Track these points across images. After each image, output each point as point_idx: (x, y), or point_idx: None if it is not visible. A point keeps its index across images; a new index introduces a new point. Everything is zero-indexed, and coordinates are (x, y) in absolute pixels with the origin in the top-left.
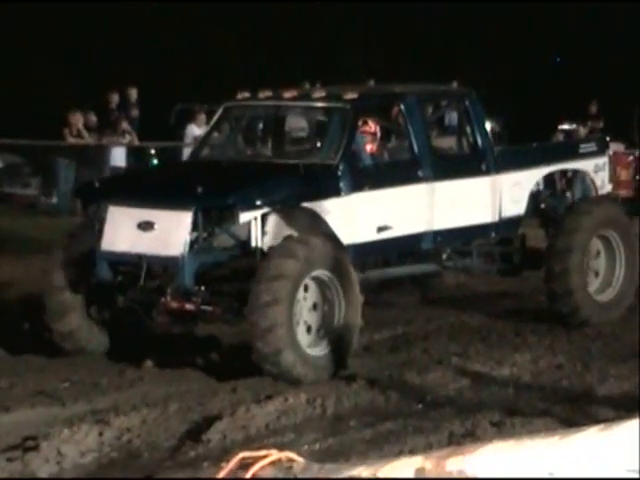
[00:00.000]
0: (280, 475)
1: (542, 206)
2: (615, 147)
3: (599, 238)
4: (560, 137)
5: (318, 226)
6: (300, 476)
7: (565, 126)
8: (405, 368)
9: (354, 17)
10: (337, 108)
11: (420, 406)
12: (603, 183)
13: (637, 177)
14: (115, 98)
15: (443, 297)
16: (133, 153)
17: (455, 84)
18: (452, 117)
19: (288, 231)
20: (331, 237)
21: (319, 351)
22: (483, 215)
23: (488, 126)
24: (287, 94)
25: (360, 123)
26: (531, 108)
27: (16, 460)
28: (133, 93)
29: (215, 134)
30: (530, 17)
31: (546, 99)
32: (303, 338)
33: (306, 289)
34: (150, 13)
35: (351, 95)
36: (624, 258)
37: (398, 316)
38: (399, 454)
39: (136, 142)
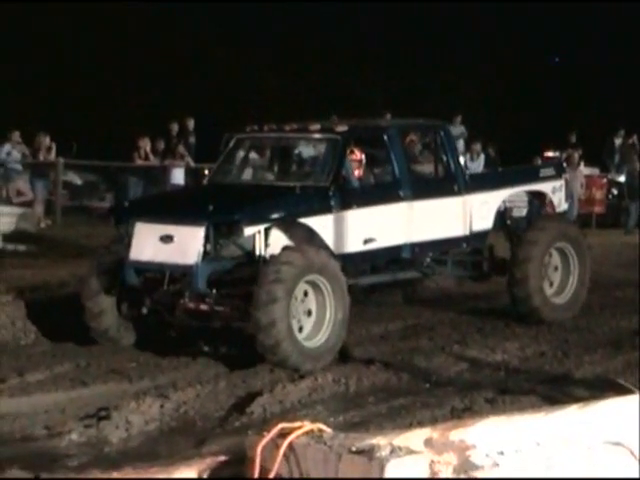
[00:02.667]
0: (312, 442)
1: (507, 222)
2: (590, 171)
3: (555, 250)
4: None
5: (312, 238)
6: (329, 443)
7: (550, 153)
8: (414, 353)
9: (374, 52)
10: (329, 139)
11: (427, 385)
12: (560, 202)
13: (609, 196)
14: (175, 127)
15: (436, 298)
16: (190, 173)
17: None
18: (457, 145)
19: (286, 242)
20: (323, 247)
21: (314, 343)
22: (455, 229)
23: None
24: (288, 127)
25: (348, 152)
26: (519, 137)
27: (91, 427)
28: (190, 123)
29: (228, 161)
30: (521, 54)
31: (531, 130)
32: (299, 333)
33: (305, 294)
34: (207, 57)
35: (341, 128)
36: (577, 266)
37: (407, 311)
38: (409, 426)
39: (192, 164)
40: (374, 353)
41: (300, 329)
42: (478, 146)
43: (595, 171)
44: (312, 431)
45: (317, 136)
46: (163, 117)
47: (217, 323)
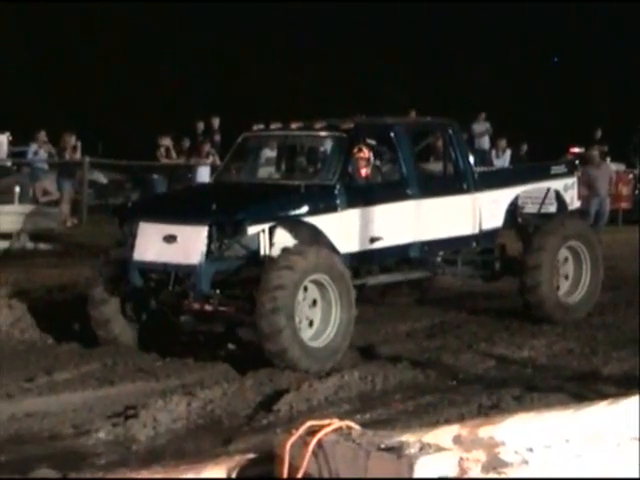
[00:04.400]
0: (341, 440)
1: (519, 220)
2: (616, 167)
3: (567, 249)
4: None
5: (317, 237)
6: (358, 441)
7: (575, 149)
8: (441, 351)
9: (400, 51)
10: (335, 136)
11: (454, 383)
12: (572, 200)
13: (636, 192)
14: (201, 126)
15: (461, 296)
16: (215, 171)
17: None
18: (483, 141)
19: (291, 242)
20: (326, 246)
21: (320, 343)
22: (464, 228)
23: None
24: (294, 125)
25: (356, 150)
26: (547, 134)
27: (119, 425)
28: (216, 121)
29: (234, 160)
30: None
31: (559, 126)
32: (305, 333)
33: (305, 289)
34: (231, 59)
35: (347, 125)
36: (589, 264)
37: (433, 309)
38: (436, 423)
39: (218, 162)
40: (401, 351)
41: (310, 324)
42: (503, 142)
43: (621, 167)
44: (341, 428)
45: (323, 134)
46: (189, 116)
47: (222, 324)
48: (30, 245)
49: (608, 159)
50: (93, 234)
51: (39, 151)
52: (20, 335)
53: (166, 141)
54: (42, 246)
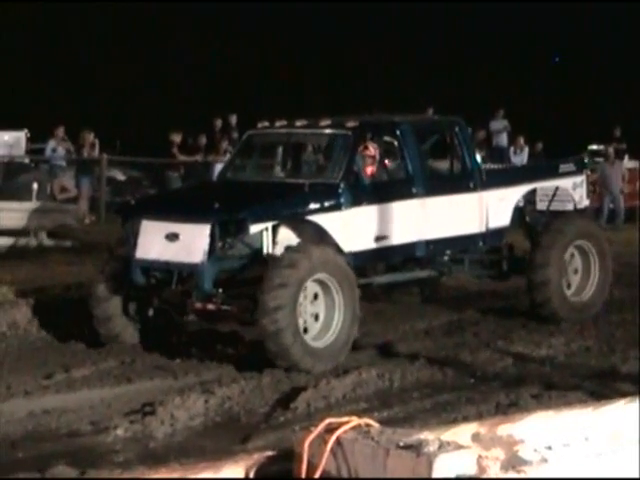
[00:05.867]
0: (360, 437)
1: (527, 219)
2: (633, 164)
3: (575, 248)
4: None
5: (321, 236)
6: (377, 438)
7: (594, 146)
8: (459, 349)
9: (418, 49)
10: (340, 134)
11: (472, 381)
12: (581, 199)
13: None
14: (218, 123)
15: (479, 294)
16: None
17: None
18: (500, 139)
19: (294, 241)
20: (330, 245)
21: (323, 343)
22: (471, 226)
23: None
24: (299, 123)
25: (361, 148)
26: (566, 132)
27: (137, 423)
28: (233, 118)
29: (239, 158)
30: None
31: (579, 124)
32: (309, 333)
33: (305, 289)
34: (248, 56)
35: (352, 123)
36: (597, 264)
37: (451, 307)
38: (454, 421)
39: None
40: (418, 349)
41: (305, 330)
42: (521, 140)
43: (637, 164)
44: (359, 426)
45: (328, 132)
46: (206, 113)
47: (225, 323)
48: (48, 242)
49: (626, 157)
50: (111, 231)
51: (57, 148)
52: (38, 332)
53: (177, 137)
54: (60, 243)
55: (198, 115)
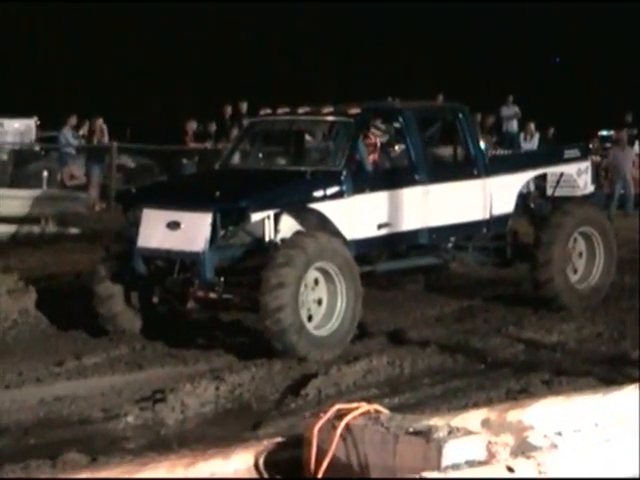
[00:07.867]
0: (369, 423)
1: (531, 206)
2: None
3: (580, 234)
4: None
5: (323, 224)
6: (386, 425)
7: (604, 132)
8: (469, 335)
9: (427, 35)
10: (342, 122)
11: (482, 367)
12: (586, 185)
13: None
14: (228, 110)
15: (490, 280)
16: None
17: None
18: (511, 125)
19: (296, 229)
20: (335, 234)
21: (328, 330)
22: (474, 213)
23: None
24: (300, 110)
25: (363, 135)
26: (578, 118)
27: (147, 410)
28: (243, 106)
29: (241, 145)
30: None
31: (591, 110)
32: (312, 320)
33: (316, 282)
34: (259, 42)
35: (354, 110)
36: (602, 252)
37: (461, 293)
38: (465, 407)
39: None
40: (429, 335)
41: (310, 318)
42: (532, 126)
43: None
44: (369, 412)
45: (330, 119)
46: (217, 100)
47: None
48: (58, 229)
49: (637, 142)
50: (121, 219)
51: (68, 136)
52: (49, 319)
53: (191, 125)
54: (70, 230)
55: (209, 102)
